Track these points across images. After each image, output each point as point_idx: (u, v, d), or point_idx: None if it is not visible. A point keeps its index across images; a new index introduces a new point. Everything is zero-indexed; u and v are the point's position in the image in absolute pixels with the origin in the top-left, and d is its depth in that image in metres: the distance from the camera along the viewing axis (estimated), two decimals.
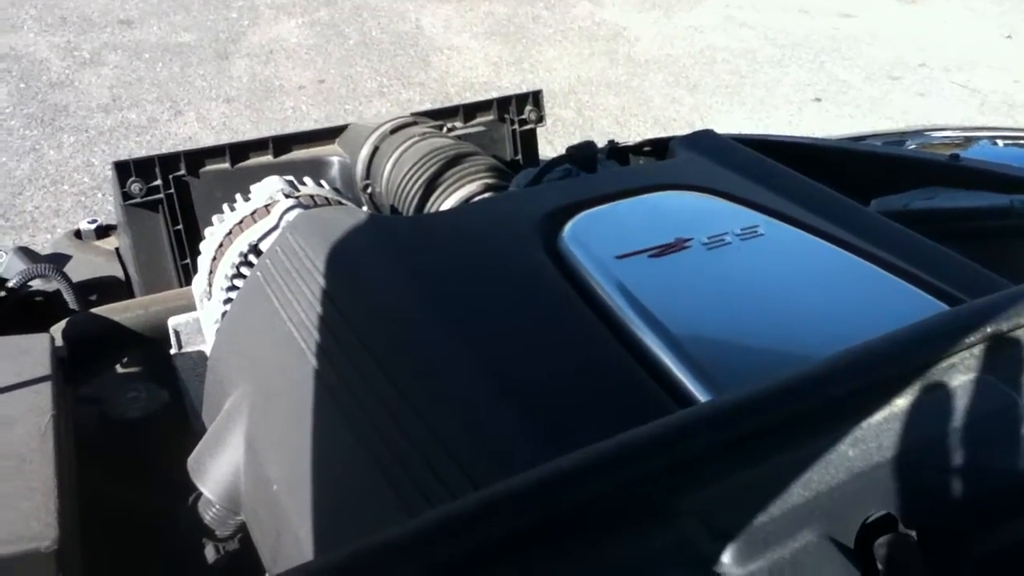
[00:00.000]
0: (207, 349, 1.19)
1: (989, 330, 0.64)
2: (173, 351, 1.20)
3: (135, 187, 1.34)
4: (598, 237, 0.87)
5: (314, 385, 0.81)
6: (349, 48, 5.10)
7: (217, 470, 0.88)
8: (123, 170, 1.34)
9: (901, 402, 0.59)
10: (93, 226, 1.60)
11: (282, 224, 1.05)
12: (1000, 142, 2.09)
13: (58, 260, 1.54)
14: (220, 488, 0.89)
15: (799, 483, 0.53)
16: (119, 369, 1.27)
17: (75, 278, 1.42)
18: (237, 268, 1.06)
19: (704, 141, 1.17)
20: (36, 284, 1.43)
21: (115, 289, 1.50)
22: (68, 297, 1.40)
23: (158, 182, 1.36)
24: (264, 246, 1.05)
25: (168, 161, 1.36)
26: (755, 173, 1.07)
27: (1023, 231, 1.19)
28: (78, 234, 1.61)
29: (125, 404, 1.06)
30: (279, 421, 0.83)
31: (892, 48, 5.82)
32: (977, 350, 0.64)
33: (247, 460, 0.86)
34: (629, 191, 0.97)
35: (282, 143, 1.45)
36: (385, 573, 0.46)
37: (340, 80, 4.79)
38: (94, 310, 1.31)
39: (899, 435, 0.57)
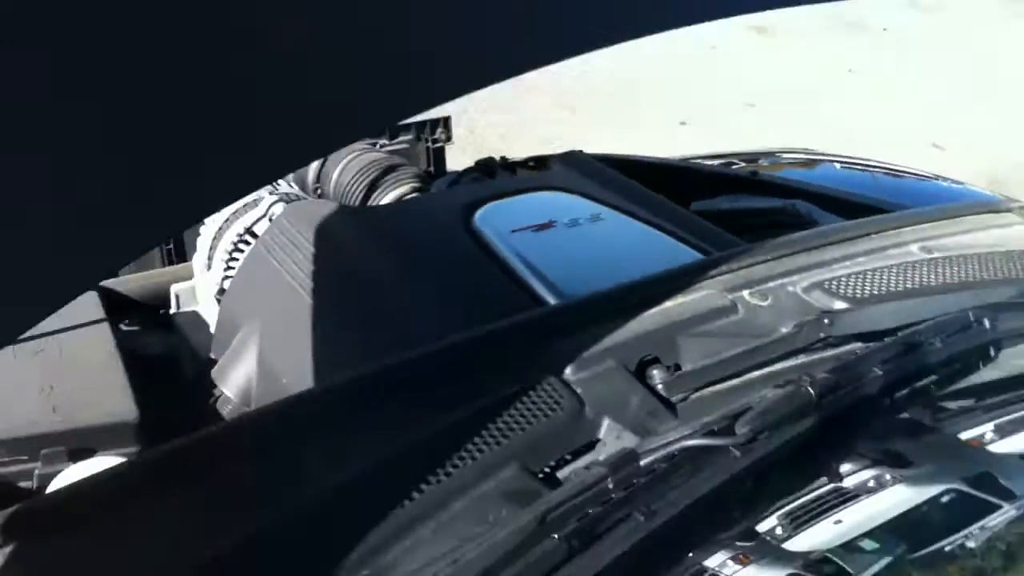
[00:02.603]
0: (200, 310, 1.58)
1: (724, 267, 1.13)
2: (172, 311, 1.59)
3: None
4: (499, 219, 1.35)
5: (311, 315, 1.23)
6: None
7: (236, 376, 1.29)
8: None
9: (669, 303, 1.06)
10: None
11: (270, 213, 1.47)
12: (838, 165, 2.64)
13: None
14: (238, 389, 1.30)
15: (605, 342, 0.98)
16: (123, 327, 1.64)
17: None
18: (235, 245, 1.47)
19: (573, 158, 1.65)
20: None
21: None
22: None
23: None
24: (257, 229, 1.47)
25: None
26: (606, 182, 1.56)
27: (791, 224, 1.71)
28: None
29: (146, 344, 1.45)
30: (286, 340, 1.25)
31: (750, 78, 6.49)
32: (718, 280, 1.12)
33: (259, 369, 1.28)
34: (519, 190, 1.45)
35: None
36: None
37: None
38: (102, 283, 1.68)
39: (656, 319, 1.03)
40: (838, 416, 0.83)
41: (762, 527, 0.75)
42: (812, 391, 0.81)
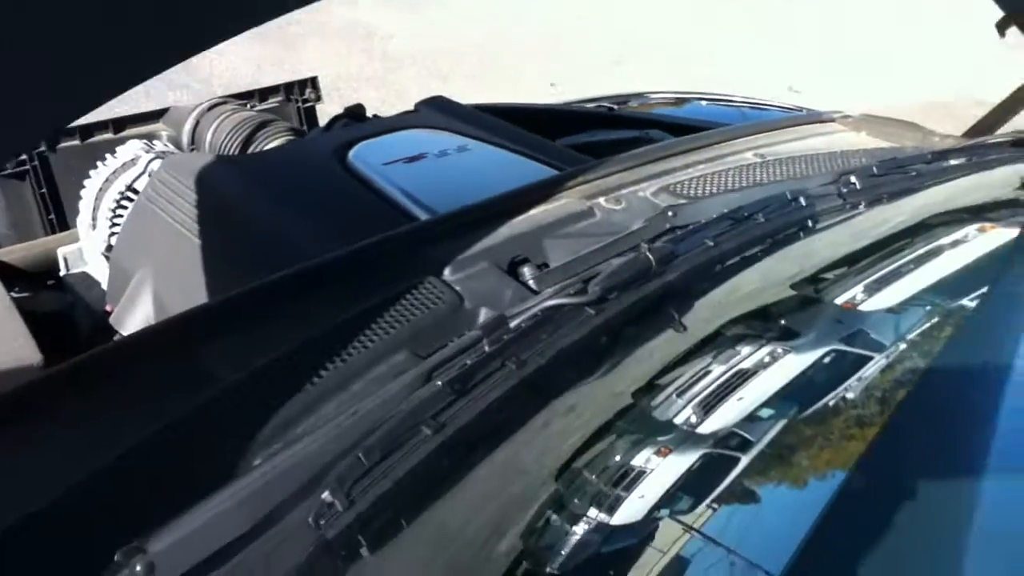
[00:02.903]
0: (89, 270, 1.62)
1: (581, 179, 1.25)
2: (62, 273, 1.61)
3: None
4: (373, 155, 1.43)
5: (200, 255, 1.29)
6: None
7: (134, 319, 1.34)
8: None
9: (534, 211, 1.18)
10: None
11: (149, 169, 1.51)
12: (704, 103, 2.79)
13: None
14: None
15: (478, 246, 1.08)
16: (13, 295, 1.65)
17: None
18: (118, 203, 1.51)
19: (437, 102, 1.75)
20: None
21: None
22: None
23: (24, 156, 1.75)
24: (137, 186, 1.51)
25: None
26: (471, 120, 1.66)
27: None
28: None
29: (41, 303, 1.47)
30: (179, 280, 1.31)
31: (613, 39, 6.69)
32: (576, 191, 1.24)
33: (156, 310, 1.33)
34: (389, 130, 1.53)
35: (119, 124, 1.87)
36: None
37: None
38: None
39: (523, 225, 1.14)
40: (677, 279, 0.96)
41: (678, 419, 0.85)
42: (651, 256, 0.94)
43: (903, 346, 1.00)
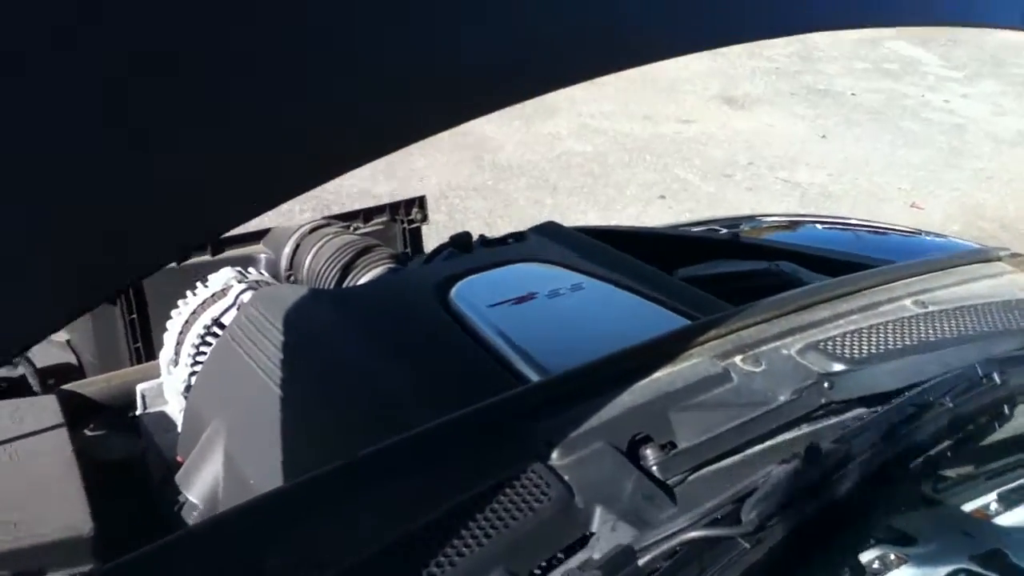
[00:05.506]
0: (168, 410, 1.50)
1: (713, 332, 1.07)
2: (139, 412, 1.51)
3: None
4: (476, 294, 1.29)
5: (280, 408, 1.15)
6: None
7: (201, 480, 1.21)
8: None
9: (658, 374, 1.00)
10: None
11: (239, 302, 1.40)
12: (819, 226, 2.62)
13: None
14: (203, 494, 1.21)
15: (592, 420, 0.91)
16: (87, 432, 1.55)
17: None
18: (203, 338, 1.40)
19: (549, 229, 1.61)
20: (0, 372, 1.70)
21: (71, 374, 1.79)
22: (32, 381, 1.67)
23: None
24: (225, 320, 1.40)
25: None
26: (585, 251, 1.51)
27: (778, 285, 1.66)
28: None
29: (109, 449, 1.36)
30: (254, 438, 1.17)
31: (725, 149, 6.56)
32: (707, 347, 1.06)
33: (226, 471, 1.19)
34: (495, 264, 1.39)
35: (217, 244, 1.80)
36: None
37: None
38: (65, 386, 1.60)
39: (645, 392, 0.96)
40: (850, 492, 0.76)
41: None
42: (819, 465, 0.74)
43: None
